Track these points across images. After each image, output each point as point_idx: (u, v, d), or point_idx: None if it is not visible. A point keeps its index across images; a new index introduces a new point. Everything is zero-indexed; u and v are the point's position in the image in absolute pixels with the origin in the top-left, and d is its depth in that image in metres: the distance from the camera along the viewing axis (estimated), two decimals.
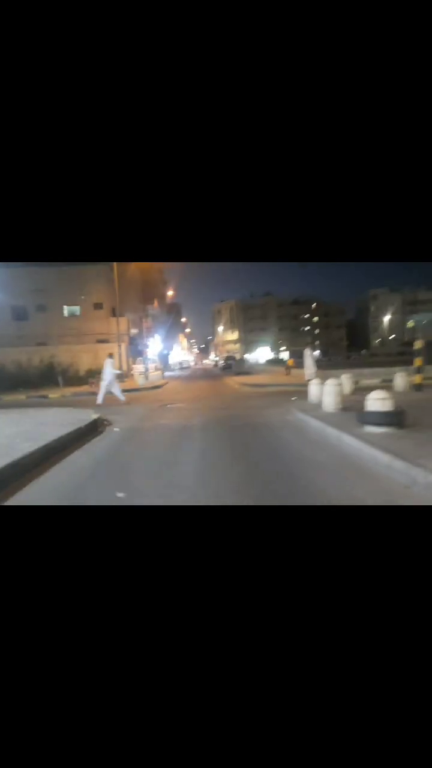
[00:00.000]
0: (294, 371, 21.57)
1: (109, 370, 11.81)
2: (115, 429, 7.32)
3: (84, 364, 24.67)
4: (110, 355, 12.63)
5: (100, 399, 11.81)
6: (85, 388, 17.02)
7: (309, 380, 10.29)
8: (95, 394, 15.20)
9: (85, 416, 7.74)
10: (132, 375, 22.65)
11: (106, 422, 8.02)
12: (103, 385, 11.88)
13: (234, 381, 19.72)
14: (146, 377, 19.77)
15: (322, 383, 8.46)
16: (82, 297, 29.11)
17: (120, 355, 21.30)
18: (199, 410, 9.52)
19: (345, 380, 9.67)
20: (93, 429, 7.01)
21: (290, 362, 21.92)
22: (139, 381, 17.55)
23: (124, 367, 25.91)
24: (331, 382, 7.55)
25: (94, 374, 23.48)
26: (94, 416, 7.74)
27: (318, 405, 8.08)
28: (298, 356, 23.78)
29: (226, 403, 10.89)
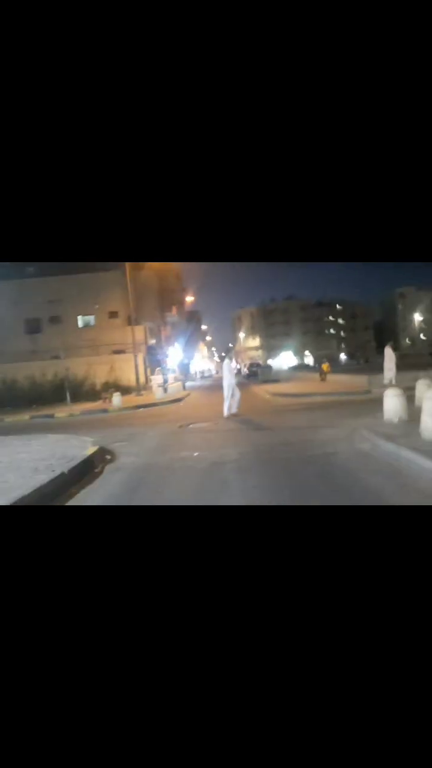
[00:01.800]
0: (330, 377, 19.19)
1: None
2: (116, 472, 5.24)
3: (100, 376, 23.09)
4: None
5: None
6: (97, 405, 15.16)
7: (388, 386, 7.79)
8: (107, 411, 13.32)
9: (80, 449, 5.74)
10: (150, 387, 20.75)
11: (107, 456, 5.99)
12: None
13: (263, 390, 17.49)
14: (165, 389, 17.83)
15: (401, 393, 6.18)
16: (96, 306, 27.62)
17: (137, 366, 19.45)
18: (230, 434, 7.37)
19: (421, 387, 7.23)
20: (84, 471, 4.95)
21: (326, 367, 19.48)
22: (158, 394, 15.51)
23: (142, 379, 24.20)
24: (422, 386, 5.26)
25: (109, 389, 21.90)
26: (91, 450, 5.72)
27: (403, 425, 5.79)
28: (322, 361, 21.51)
29: (262, 420, 8.71)
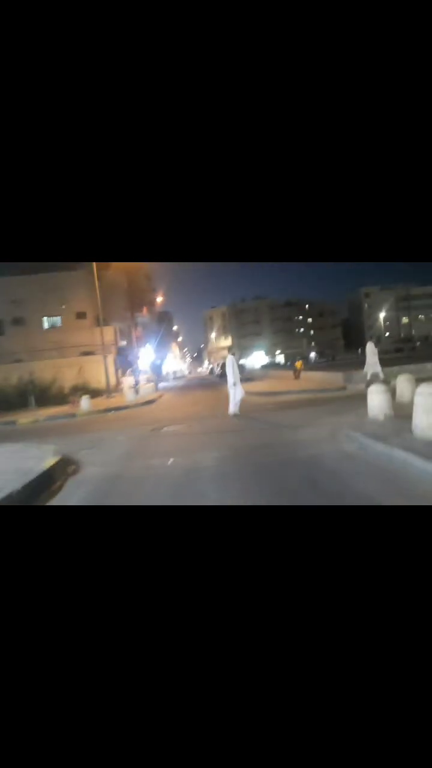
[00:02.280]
0: (304, 375, 19.07)
1: None
2: (79, 486, 4.67)
3: (68, 379, 22.14)
4: None
5: None
6: (65, 409, 14.34)
7: (369, 383, 7.46)
8: (75, 416, 12.57)
9: (38, 461, 5.12)
10: (121, 389, 20.01)
11: (71, 467, 5.40)
12: None
13: None
14: (137, 391, 17.16)
15: (386, 389, 5.90)
16: (63, 306, 26.53)
17: (106, 368, 18.67)
18: (205, 436, 6.91)
19: (403, 382, 7.00)
20: (41, 487, 4.35)
21: (299, 364, 19.34)
22: (129, 397, 14.83)
23: (113, 381, 23.37)
24: (403, 381, 4.97)
25: (78, 392, 21.00)
26: (52, 461, 5.11)
27: (391, 423, 5.51)
28: (294, 359, 21.18)
29: (238, 420, 8.30)
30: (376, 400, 5.95)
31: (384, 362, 12.63)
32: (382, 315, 79.38)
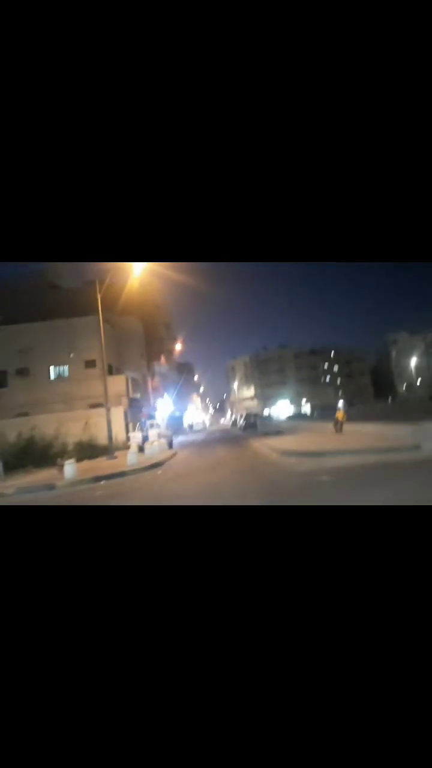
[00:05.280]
0: (348, 427, 15.64)
1: None
2: None
3: (73, 434, 19.45)
4: None
5: None
6: (48, 476, 11.30)
7: None
8: (53, 488, 9.49)
9: None
10: (129, 447, 17.00)
11: None
12: None
13: (265, 446, 13.83)
14: (142, 449, 14.06)
15: None
16: (71, 355, 24.43)
17: (109, 422, 15.79)
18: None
19: None
20: None
21: (341, 415, 16.00)
22: (129, 459, 11.65)
23: (121, 437, 20.46)
24: None
25: (83, 449, 18.18)
26: None
27: None
28: (321, 410, 17.81)
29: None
30: None
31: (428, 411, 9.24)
32: (413, 361, 75.60)
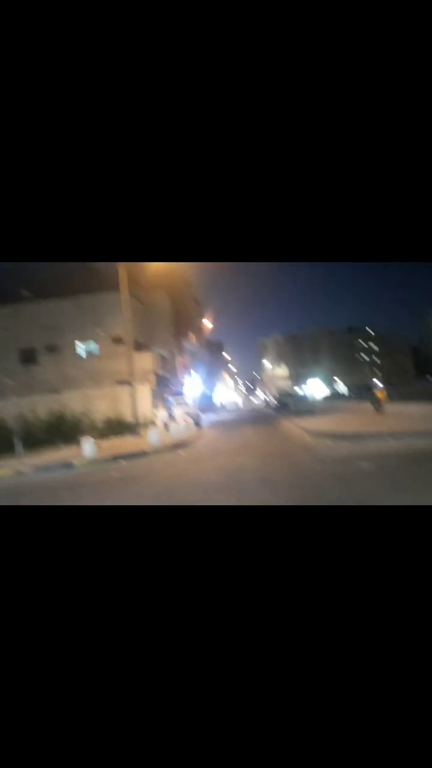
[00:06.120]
0: (390, 408, 14.38)
1: None
2: None
3: (101, 411, 19.18)
4: None
5: None
6: (70, 454, 10.91)
7: None
8: (72, 466, 9.04)
9: None
10: (154, 425, 16.48)
11: None
12: None
13: (298, 427, 12.86)
14: (167, 428, 13.50)
15: None
16: (99, 331, 24.08)
17: (134, 400, 15.28)
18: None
19: None
20: None
21: (381, 394, 14.68)
22: (151, 438, 11.04)
23: (149, 414, 20.05)
24: None
25: (112, 426, 17.92)
26: None
27: None
28: (358, 389, 16.42)
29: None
30: None
31: None
32: None
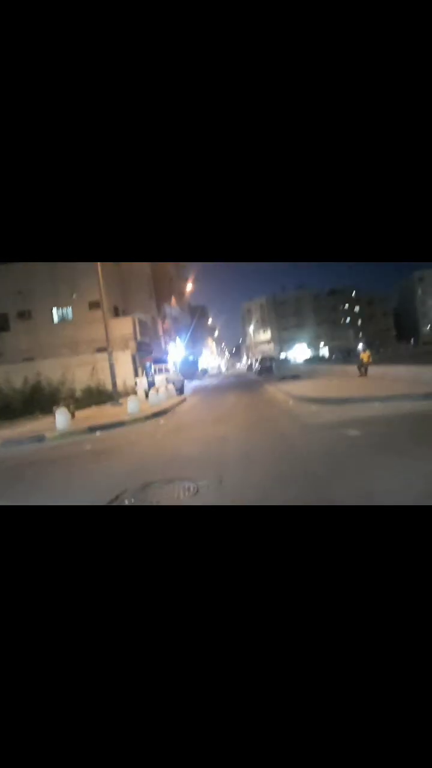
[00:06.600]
0: (374, 370, 14.14)
1: None
2: None
3: (80, 380, 18.48)
4: None
5: None
6: (42, 425, 10.36)
7: None
8: (43, 439, 8.50)
9: None
10: (135, 393, 15.93)
11: None
12: None
13: (281, 392, 12.54)
14: (147, 396, 12.99)
15: None
16: (74, 296, 22.90)
17: (112, 367, 14.65)
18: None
19: None
20: None
21: (366, 356, 14.39)
22: (130, 406, 10.55)
23: (129, 382, 19.46)
24: None
25: (92, 395, 17.31)
26: None
27: None
28: (340, 352, 16.10)
29: (308, 485, 3.79)
30: None
31: None
32: None
